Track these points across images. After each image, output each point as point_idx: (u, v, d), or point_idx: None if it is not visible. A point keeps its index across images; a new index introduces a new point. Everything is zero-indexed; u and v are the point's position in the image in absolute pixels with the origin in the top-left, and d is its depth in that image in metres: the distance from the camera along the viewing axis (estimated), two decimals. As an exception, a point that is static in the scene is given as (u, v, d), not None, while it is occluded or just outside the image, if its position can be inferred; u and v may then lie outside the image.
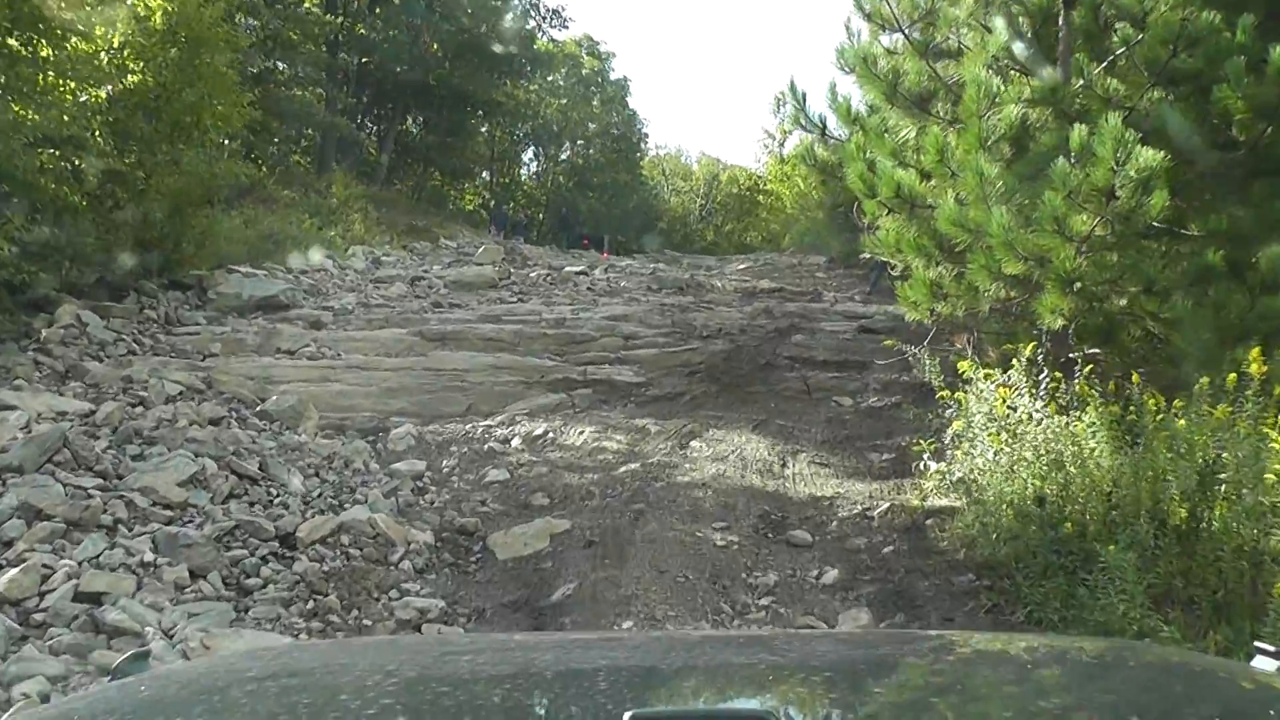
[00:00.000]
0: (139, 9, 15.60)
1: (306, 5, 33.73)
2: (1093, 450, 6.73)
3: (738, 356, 13.22)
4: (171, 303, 14.04)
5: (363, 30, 34.54)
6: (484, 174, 51.29)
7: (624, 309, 16.00)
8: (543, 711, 1.63)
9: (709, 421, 10.66)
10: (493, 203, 45.83)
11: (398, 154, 40.05)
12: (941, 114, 8.69)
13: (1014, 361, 7.56)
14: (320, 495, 8.20)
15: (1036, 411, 7.20)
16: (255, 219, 22.28)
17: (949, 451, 8.42)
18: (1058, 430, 6.99)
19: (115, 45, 14.73)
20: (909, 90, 8.60)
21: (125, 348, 11.99)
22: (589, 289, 18.90)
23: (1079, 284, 7.04)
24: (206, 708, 1.62)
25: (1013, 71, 8.56)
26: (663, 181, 63.37)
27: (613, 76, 57.17)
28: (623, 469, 8.96)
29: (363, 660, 1.99)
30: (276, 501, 7.91)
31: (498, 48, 36.01)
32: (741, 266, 27.53)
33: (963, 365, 7.76)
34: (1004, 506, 6.97)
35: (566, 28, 44.54)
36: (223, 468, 8.12)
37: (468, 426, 10.51)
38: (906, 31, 8.61)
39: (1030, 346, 7.68)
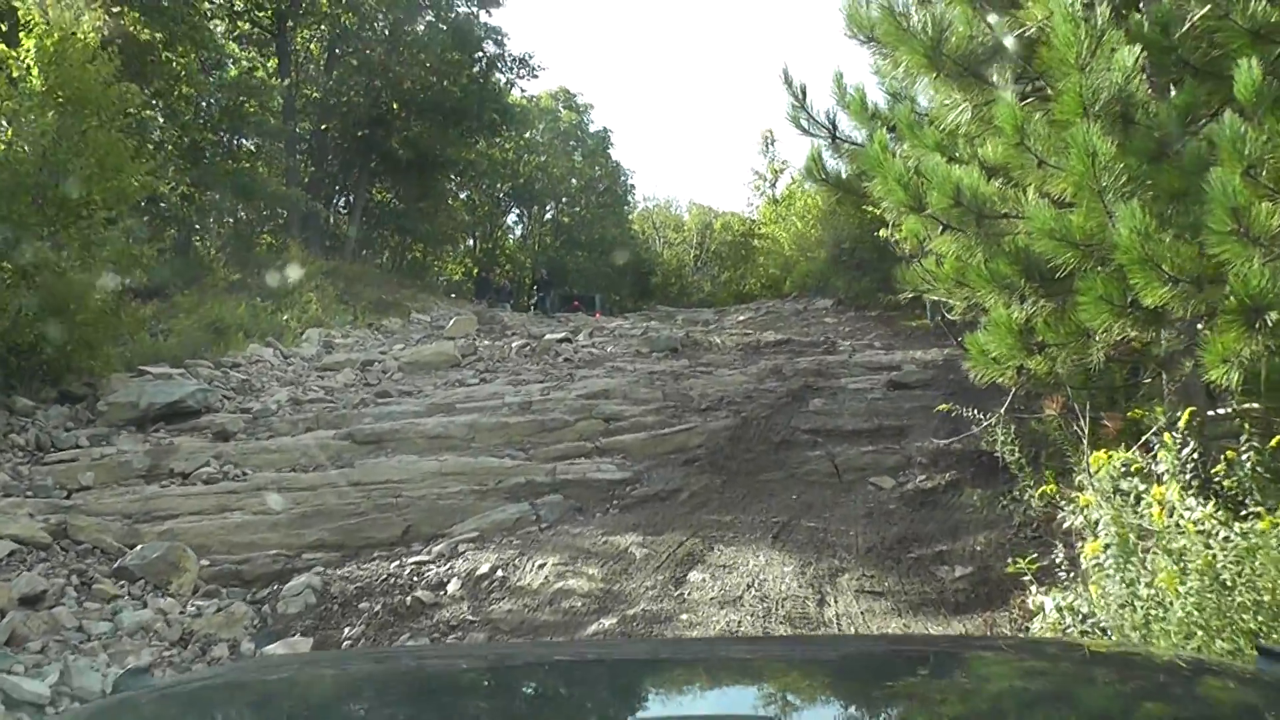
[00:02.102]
0: (12, 69, 13.28)
1: (259, 74, 31.54)
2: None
3: (745, 434, 10.57)
4: (51, 420, 11.44)
5: (316, 94, 32.21)
6: (469, 241, 49.05)
7: (605, 382, 13.35)
8: (546, 715, 1.65)
9: (713, 533, 8.00)
10: (475, 270, 43.45)
11: (368, 225, 37.58)
12: (1002, 85, 6.09)
13: (1165, 437, 4.93)
14: (141, 717, 5.54)
15: (1210, 519, 4.56)
16: (194, 307, 19.89)
17: (1060, 570, 5.74)
18: (1251, 550, 4.35)
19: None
20: (956, 51, 5.97)
21: (-32, 488, 9.40)
22: (565, 360, 16.25)
23: (1274, 313, 4.39)
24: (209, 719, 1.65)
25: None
26: (654, 234, 61.55)
27: (592, 129, 55.32)
28: (593, 628, 6.28)
29: (363, 671, 1.99)
30: (62, 742, 5.26)
31: (463, 103, 33.63)
32: (742, 318, 25.05)
33: (1098, 459, 5.02)
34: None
35: (536, 77, 42.31)
36: (-7, 690, 5.48)
37: (393, 565, 7.88)
38: (946, -31, 6.03)
39: (1188, 413, 5.06)
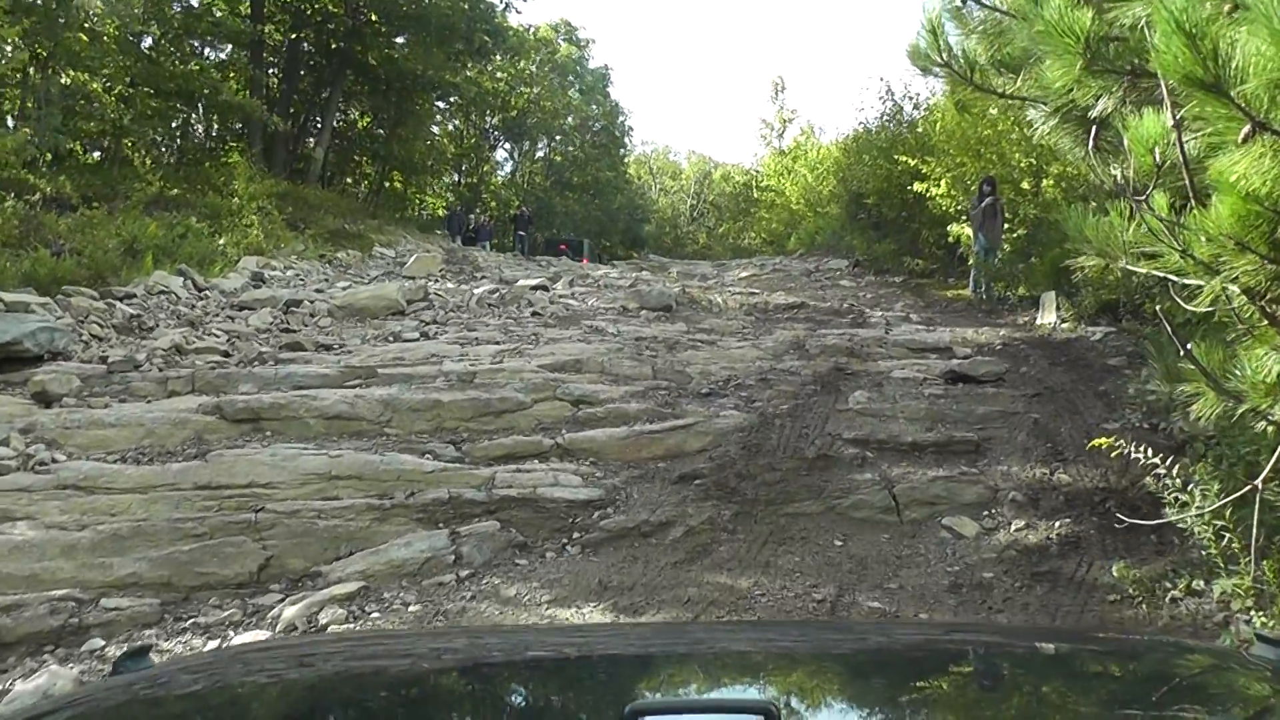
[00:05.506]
0: None
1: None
2: None
3: (765, 440, 7.62)
4: None
5: (287, -4, 28.91)
6: (454, 175, 45.94)
7: (579, 348, 10.35)
8: (544, 702, 1.62)
9: (723, 613, 5.10)
10: (457, 205, 40.31)
11: (343, 149, 34.38)
12: None
13: None
14: None
15: None
16: (104, 223, 16.76)
17: None
18: None
19: None
20: None
21: None
22: (535, 314, 13.23)
23: None
24: (209, 705, 1.59)
25: None
26: (650, 180, 58.90)
27: (592, 65, 52.18)
28: None
29: (366, 653, 1.94)
30: None
31: (451, 20, 30.33)
32: (745, 274, 22.07)
33: None
34: None
35: (529, -1, 38.81)
36: None
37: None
38: None
39: None
